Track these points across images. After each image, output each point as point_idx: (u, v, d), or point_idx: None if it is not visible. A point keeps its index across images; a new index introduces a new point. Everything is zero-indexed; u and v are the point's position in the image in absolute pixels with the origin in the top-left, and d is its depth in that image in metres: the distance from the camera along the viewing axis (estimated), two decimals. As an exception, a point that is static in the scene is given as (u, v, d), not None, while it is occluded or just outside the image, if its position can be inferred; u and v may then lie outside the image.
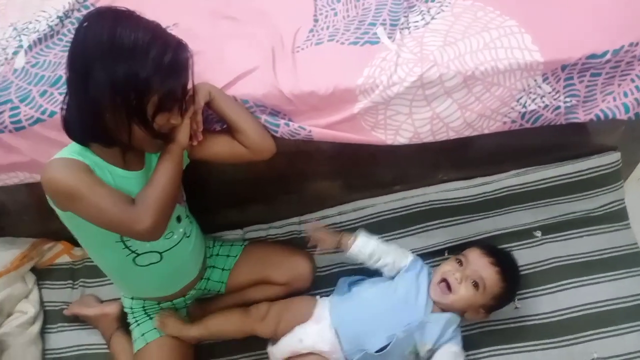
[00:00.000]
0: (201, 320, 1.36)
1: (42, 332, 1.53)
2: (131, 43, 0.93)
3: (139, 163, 1.14)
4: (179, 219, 1.24)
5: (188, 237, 1.28)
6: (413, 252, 1.42)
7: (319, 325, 1.30)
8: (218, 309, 1.46)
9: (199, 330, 1.34)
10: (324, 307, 1.33)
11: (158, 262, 1.22)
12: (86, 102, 0.97)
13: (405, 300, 1.28)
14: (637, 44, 1.09)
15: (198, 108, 1.11)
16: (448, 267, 1.29)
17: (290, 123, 1.19)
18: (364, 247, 1.36)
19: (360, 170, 1.39)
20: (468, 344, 1.32)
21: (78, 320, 1.53)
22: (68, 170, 1.00)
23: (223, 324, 1.36)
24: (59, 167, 1.01)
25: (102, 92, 0.94)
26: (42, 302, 1.56)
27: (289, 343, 1.30)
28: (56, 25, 1.34)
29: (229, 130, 1.18)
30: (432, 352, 1.26)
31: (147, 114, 0.98)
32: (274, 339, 1.36)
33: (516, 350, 1.36)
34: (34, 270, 1.59)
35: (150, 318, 1.35)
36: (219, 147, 1.19)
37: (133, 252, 1.17)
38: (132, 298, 1.37)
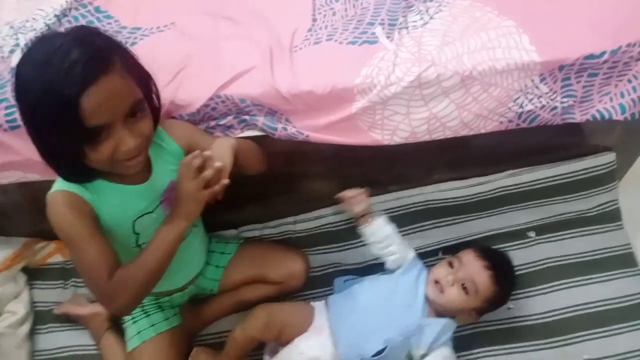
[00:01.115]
0: (221, 353, 1.33)
1: (32, 333, 1.50)
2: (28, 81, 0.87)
3: (145, 173, 1.10)
4: None
5: (196, 226, 1.28)
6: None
7: (320, 337, 1.27)
8: (212, 312, 1.46)
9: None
10: (321, 314, 1.32)
11: None
12: (41, 147, 0.94)
13: (402, 303, 1.28)
14: (634, 44, 1.10)
15: (223, 168, 1.01)
16: (440, 270, 1.30)
17: (288, 127, 1.19)
18: (383, 228, 1.36)
19: (356, 169, 1.39)
20: (461, 345, 1.32)
21: (69, 321, 1.51)
22: (66, 216, 0.99)
23: (239, 346, 1.32)
24: (59, 208, 1.00)
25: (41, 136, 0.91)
26: (32, 303, 1.54)
27: (289, 356, 1.28)
28: (53, 24, 1.32)
29: None
30: (424, 356, 1.26)
31: (80, 146, 0.90)
32: (268, 352, 1.35)
33: (509, 351, 1.36)
34: (24, 270, 1.56)
35: (148, 315, 1.33)
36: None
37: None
38: None
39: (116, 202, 1.05)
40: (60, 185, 1.02)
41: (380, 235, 1.37)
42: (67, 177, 1.01)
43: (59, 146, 0.91)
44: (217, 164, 0.97)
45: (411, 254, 1.38)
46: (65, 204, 1.00)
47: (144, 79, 0.99)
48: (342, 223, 1.53)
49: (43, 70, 0.83)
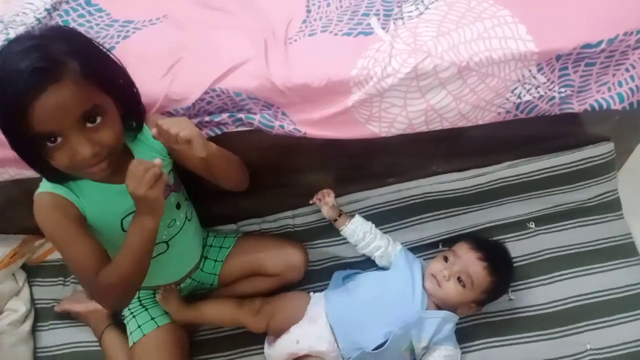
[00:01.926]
0: (196, 304, 1.35)
1: (33, 330, 1.51)
2: None
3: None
4: (178, 206, 1.22)
5: (190, 220, 1.28)
6: (408, 245, 1.45)
7: (315, 325, 1.28)
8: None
9: (194, 313, 1.34)
10: (318, 304, 1.32)
11: (165, 251, 1.22)
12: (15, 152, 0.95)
13: (401, 296, 1.27)
14: (631, 33, 1.08)
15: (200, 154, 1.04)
16: (436, 264, 1.30)
17: (285, 124, 1.18)
18: (360, 227, 1.39)
19: (354, 162, 1.38)
20: (461, 336, 1.32)
21: (69, 318, 1.51)
22: (51, 218, 1.01)
23: (216, 312, 1.35)
24: (43, 210, 1.02)
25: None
26: (32, 300, 1.54)
27: (285, 345, 1.29)
28: (44, 18, 1.31)
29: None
30: (426, 349, 1.26)
31: (37, 153, 0.92)
32: (270, 340, 1.36)
33: (510, 342, 1.36)
34: (24, 267, 1.57)
35: (146, 309, 1.34)
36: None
37: None
38: None
39: (102, 201, 1.06)
40: (45, 186, 1.03)
41: (360, 233, 1.39)
42: (48, 178, 1.02)
43: (23, 152, 0.93)
44: (157, 160, 0.95)
45: (398, 246, 1.40)
46: (49, 207, 1.02)
47: (116, 84, 0.98)
48: (340, 216, 1.52)
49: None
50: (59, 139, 0.89)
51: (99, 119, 0.92)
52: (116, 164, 0.99)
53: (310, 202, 1.47)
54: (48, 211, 1.02)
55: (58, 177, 1.01)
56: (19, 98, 0.83)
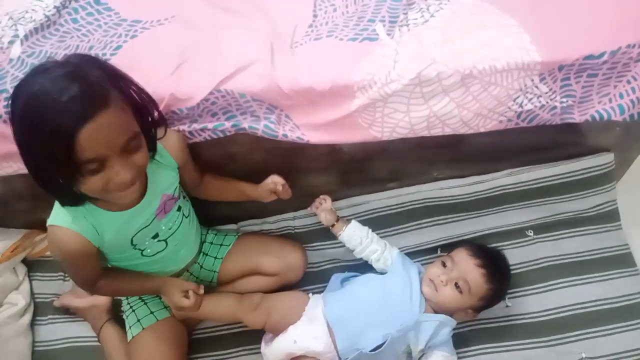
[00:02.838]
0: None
1: (32, 324, 1.51)
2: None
3: (140, 193, 1.10)
4: (179, 209, 1.24)
5: (187, 217, 1.29)
6: (407, 249, 1.46)
7: (312, 326, 1.29)
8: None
9: None
10: (316, 305, 1.33)
11: (164, 249, 1.24)
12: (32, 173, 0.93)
13: (400, 299, 1.28)
14: (634, 45, 1.09)
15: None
16: (434, 270, 1.31)
17: (288, 133, 1.20)
18: (357, 232, 1.41)
19: (356, 166, 1.39)
20: (458, 342, 1.33)
21: (68, 313, 1.52)
22: (64, 256, 1.07)
23: (215, 307, 1.36)
24: (58, 247, 1.06)
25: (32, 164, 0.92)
26: (32, 294, 1.55)
27: (282, 344, 1.30)
28: (53, 15, 1.32)
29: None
30: (423, 352, 1.27)
31: (72, 178, 0.90)
32: (266, 339, 1.37)
33: (505, 348, 1.37)
34: (25, 261, 1.58)
35: (146, 303, 1.35)
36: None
37: (141, 249, 1.20)
38: None
39: (116, 228, 1.09)
40: (62, 219, 1.03)
41: (357, 238, 1.41)
42: (62, 202, 1.02)
43: (50, 176, 0.91)
44: (201, 290, 1.23)
45: (394, 251, 1.41)
46: (66, 249, 1.05)
47: (142, 106, 0.98)
48: (340, 219, 1.53)
49: (39, 102, 0.82)
50: (96, 166, 0.88)
51: (133, 143, 0.93)
52: None
53: (309, 209, 1.49)
54: (63, 251, 1.06)
55: (72, 200, 1.00)
56: (68, 126, 0.81)
